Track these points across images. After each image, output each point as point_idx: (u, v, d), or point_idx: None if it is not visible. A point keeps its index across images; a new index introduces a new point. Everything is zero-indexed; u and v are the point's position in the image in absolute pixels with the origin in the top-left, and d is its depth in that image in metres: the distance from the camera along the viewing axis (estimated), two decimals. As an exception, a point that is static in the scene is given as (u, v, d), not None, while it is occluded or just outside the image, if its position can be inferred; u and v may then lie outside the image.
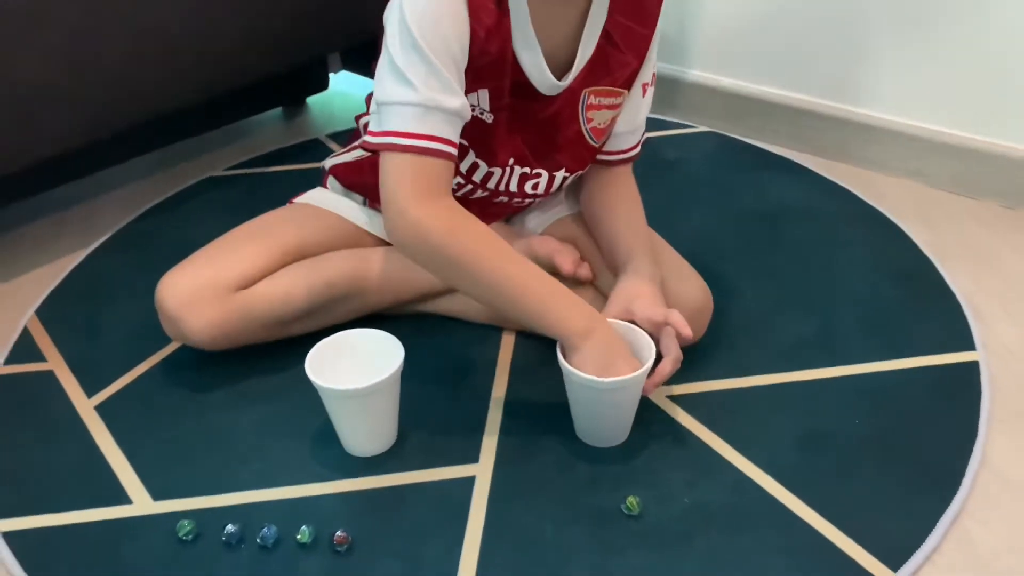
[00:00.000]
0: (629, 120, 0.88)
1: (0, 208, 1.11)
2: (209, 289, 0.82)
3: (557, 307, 0.73)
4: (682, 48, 1.32)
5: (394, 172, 0.72)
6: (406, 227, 0.72)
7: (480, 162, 0.83)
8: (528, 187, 0.86)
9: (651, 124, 1.30)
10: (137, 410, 0.84)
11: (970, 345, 0.88)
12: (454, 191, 0.85)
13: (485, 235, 0.74)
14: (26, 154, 0.97)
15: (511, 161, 0.84)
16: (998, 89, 1.10)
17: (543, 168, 0.85)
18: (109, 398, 0.85)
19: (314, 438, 0.79)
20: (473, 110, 0.77)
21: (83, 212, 1.17)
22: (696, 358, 0.85)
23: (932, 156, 1.17)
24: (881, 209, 1.11)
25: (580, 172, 0.89)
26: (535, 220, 0.95)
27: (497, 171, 0.84)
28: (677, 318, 0.76)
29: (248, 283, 0.84)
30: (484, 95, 0.78)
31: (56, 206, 1.18)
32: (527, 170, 0.85)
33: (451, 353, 0.89)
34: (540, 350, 0.86)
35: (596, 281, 0.89)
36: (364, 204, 0.94)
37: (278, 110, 1.44)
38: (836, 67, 1.21)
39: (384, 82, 0.72)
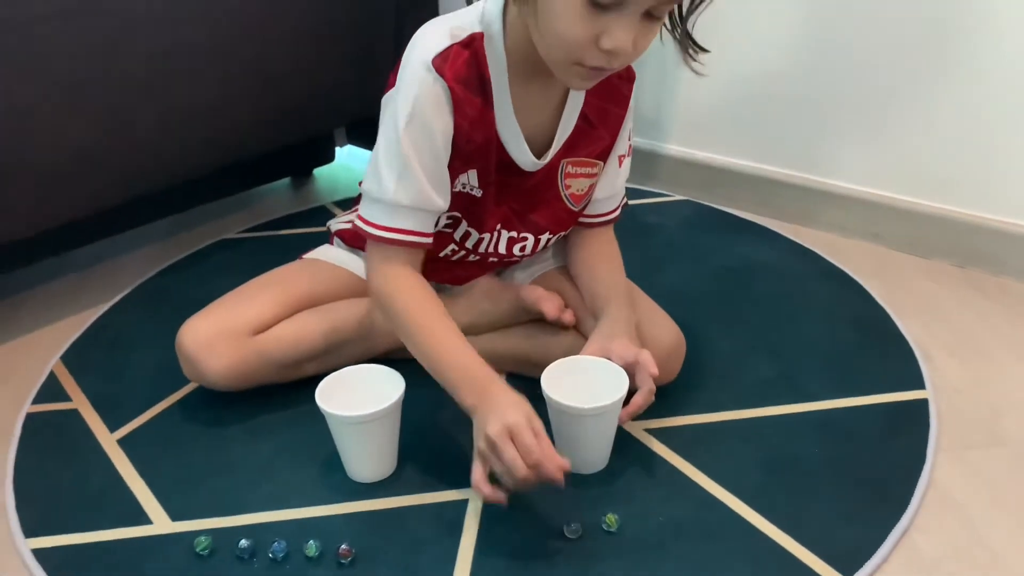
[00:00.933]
0: (607, 187, 0.96)
1: (31, 264, 1.20)
2: (226, 333, 0.90)
3: (458, 379, 0.79)
4: (660, 125, 1.45)
5: (370, 251, 0.85)
6: (372, 288, 0.85)
7: (471, 230, 0.92)
8: (516, 249, 0.95)
9: (633, 193, 1.42)
10: (156, 443, 0.91)
11: (920, 384, 0.97)
12: (450, 256, 0.94)
13: (422, 305, 0.83)
14: (64, 213, 1.06)
15: (498, 226, 0.92)
16: (948, 161, 1.21)
17: (529, 232, 0.94)
18: (130, 432, 0.92)
19: (321, 466, 0.86)
20: (465, 188, 0.87)
21: (106, 269, 1.26)
22: (670, 396, 0.93)
23: (888, 221, 1.27)
24: (842, 267, 1.21)
25: (563, 233, 0.98)
26: (523, 273, 1.04)
27: (487, 236, 0.93)
28: (647, 358, 0.84)
29: (262, 328, 0.92)
30: (473, 174, 0.86)
31: (81, 263, 1.27)
32: (514, 234, 0.93)
33: (446, 393, 0.96)
34: (528, 391, 0.93)
35: (579, 327, 0.97)
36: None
37: (287, 180, 1.55)
38: (800, 141, 1.32)
39: (368, 172, 0.84)
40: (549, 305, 0.94)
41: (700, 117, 1.41)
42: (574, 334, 0.95)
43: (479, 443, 0.76)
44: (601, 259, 0.98)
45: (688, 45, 0.82)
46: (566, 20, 0.72)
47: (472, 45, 0.81)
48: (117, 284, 1.21)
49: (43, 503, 0.83)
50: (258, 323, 0.92)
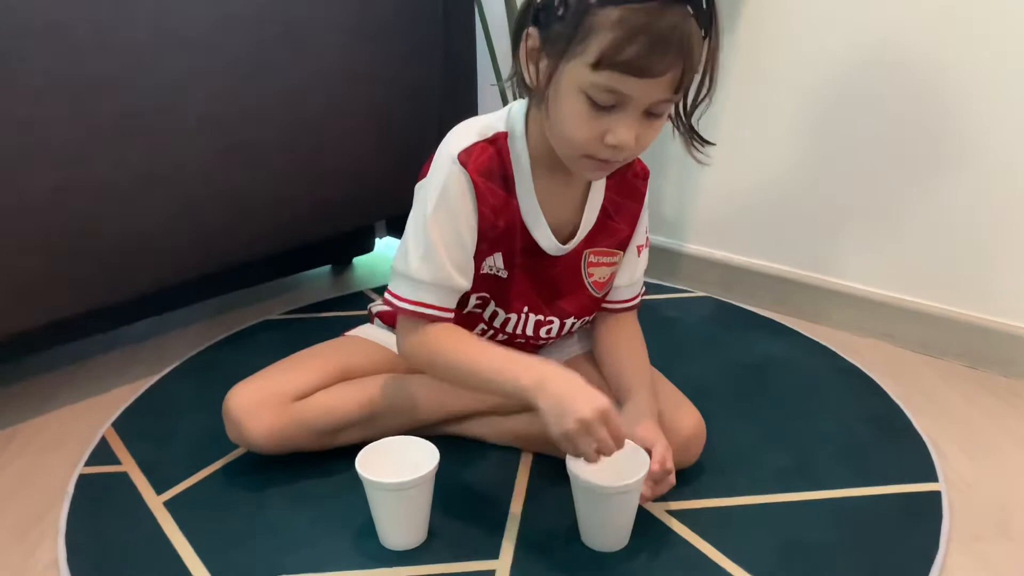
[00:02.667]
0: (628, 276, 1.04)
1: (87, 336, 1.28)
2: (269, 398, 0.97)
3: (508, 370, 0.85)
4: (682, 224, 1.53)
5: (399, 324, 0.93)
6: (406, 354, 0.93)
7: (499, 310, 0.99)
8: (543, 332, 1.01)
9: (655, 288, 1.49)
10: (201, 506, 0.95)
11: (933, 477, 1.00)
12: (480, 336, 1.00)
13: (453, 334, 0.90)
14: (125, 290, 1.15)
15: (525, 309, 0.99)
16: (960, 264, 1.27)
17: (554, 316, 1.00)
18: (176, 495, 0.97)
19: (356, 533, 0.90)
20: (491, 270, 0.94)
21: (156, 344, 1.34)
22: (691, 479, 0.98)
23: (901, 321, 1.32)
24: (856, 364, 1.26)
25: (587, 318, 1.04)
26: (552, 356, 1.09)
27: (513, 317, 0.99)
28: (665, 450, 0.89)
29: (303, 396, 0.98)
30: (499, 257, 0.94)
31: (133, 337, 1.35)
32: (540, 317, 1.00)
33: (476, 468, 1.01)
34: (553, 471, 0.98)
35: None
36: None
37: (327, 267, 1.64)
38: (813, 243, 1.39)
39: (398, 251, 0.92)
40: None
41: (719, 218, 1.49)
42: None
43: (555, 429, 0.80)
44: (626, 347, 1.04)
45: (692, 138, 0.89)
46: (573, 122, 0.81)
47: (497, 143, 0.91)
48: (166, 358, 1.29)
49: (92, 559, 0.88)
50: (299, 391, 0.98)
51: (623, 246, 1.01)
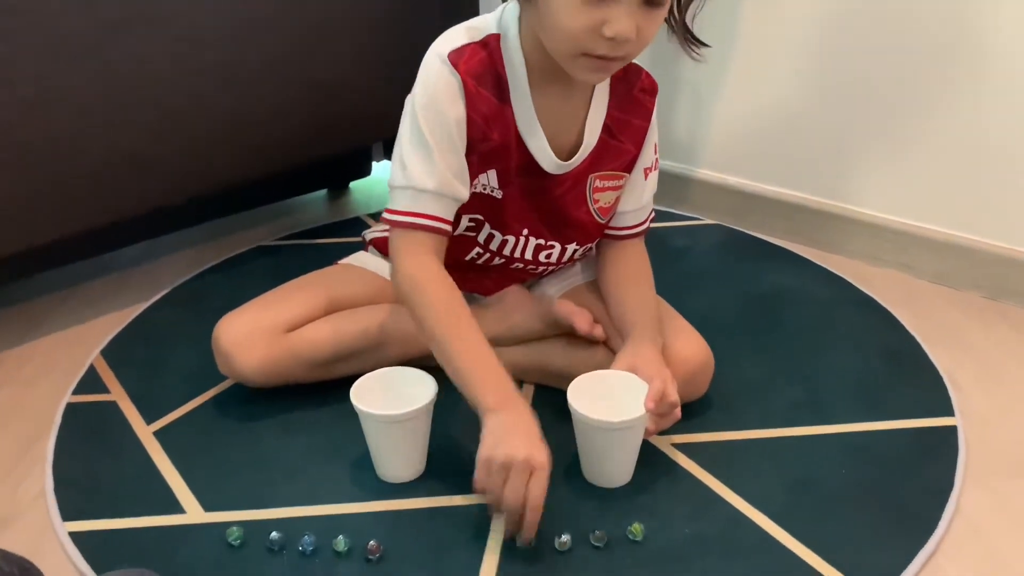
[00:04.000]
0: (634, 200, 0.98)
1: (73, 262, 1.23)
2: (260, 331, 0.93)
3: (479, 377, 0.79)
4: (693, 149, 1.46)
5: (394, 242, 0.86)
6: (397, 280, 0.85)
7: (495, 232, 0.94)
8: (542, 256, 0.97)
9: (663, 216, 1.44)
10: (191, 436, 0.93)
11: (949, 412, 0.97)
12: (475, 260, 0.96)
13: (448, 297, 0.83)
14: (112, 213, 1.10)
15: (525, 231, 0.94)
16: (979, 191, 1.21)
17: (556, 240, 0.96)
18: (166, 425, 0.94)
19: (351, 465, 0.88)
20: (484, 189, 0.89)
21: (145, 270, 1.29)
22: (697, 413, 0.94)
23: (918, 250, 1.28)
24: (871, 295, 1.22)
25: (590, 245, 1.00)
26: (553, 287, 1.05)
27: (511, 239, 0.94)
28: (664, 384, 0.83)
29: (296, 327, 0.94)
30: (492, 175, 0.89)
31: (122, 263, 1.30)
32: (541, 241, 0.95)
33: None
34: (554, 404, 0.95)
35: (608, 342, 0.98)
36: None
37: (324, 192, 1.59)
38: (830, 169, 1.34)
39: (393, 165, 0.86)
40: (580, 320, 0.95)
41: (732, 143, 1.43)
42: (603, 350, 0.96)
43: (484, 451, 0.76)
44: (631, 277, 0.99)
45: (686, 37, 0.84)
46: (566, 13, 0.75)
47: (489, 46, 0.84)
48: (156, 284, 1.24)
49: (81, 489, 0.85)
50: (292, 322, 0.94)
51: (629, 168, 0.95)
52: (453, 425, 0.91)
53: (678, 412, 0.86)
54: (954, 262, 1.25)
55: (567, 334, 0.98)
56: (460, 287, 0.97)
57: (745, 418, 0.95)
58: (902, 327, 1.14)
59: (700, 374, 0.94)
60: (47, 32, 0.95)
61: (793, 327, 1.14)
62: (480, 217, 0.92)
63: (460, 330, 0.82)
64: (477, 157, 0.86)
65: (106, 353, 1.08)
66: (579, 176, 0.92)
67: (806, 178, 1.36)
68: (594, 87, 0.90)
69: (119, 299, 1.21)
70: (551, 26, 0.78)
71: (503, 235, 0.94)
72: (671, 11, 0.82)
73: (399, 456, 0.85)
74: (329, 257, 1.08)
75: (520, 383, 1.01)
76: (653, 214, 1.02)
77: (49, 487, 0.86)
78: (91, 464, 0.89)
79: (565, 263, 1.01)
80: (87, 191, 1.05)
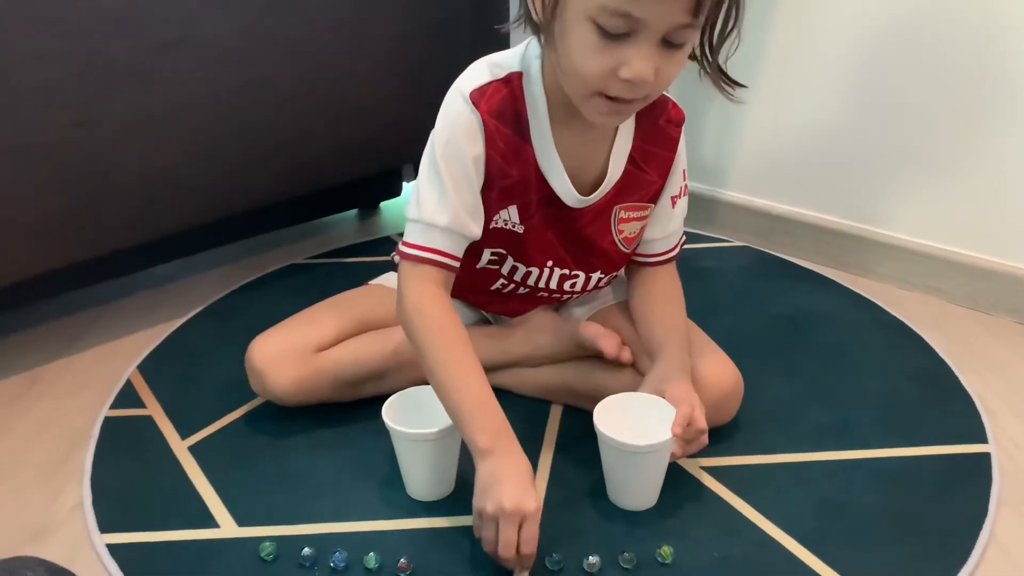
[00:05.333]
0: (661, 228, 0.97)
1: (110, 278, 1.26)
2: (292, 350, 0.94)
3: (475, 419, 0.78)
4: (721, 171, 1.47)
5: (402, 272, 0.85)
6: (401, 308, 0.84)
7: (519, 265, 0.94)
8: (567, 286, 0.97)
9: (691, 237, 1.44)
10: (224, 452, 0.94)
11: (982, 438, 0.96)
12: (500, 289, 0.97)
13: (448, 330, 0.82)
14: (148, 232, 1.12)
15: (550, 263, 0.94)
16: (1011, 215, 1.21)
17: (580, 270, 0.96)
18: (200, 440, 0.96)
19: (381, 482, 0.89)
20: (506, 224, 0.89)
21: (181, 287, 1.32)
22: (726, 436, 0.94)
23: (948, 274, 1.27)
24: (901, 318, 1.21)
25: (615, 274, 1.00)
26: (581, 308, 1.05)
27: (535, 271, 0.94)
28: (692, 409, 0.83)
29: (326, 347, 0.96)
30: (513, 210, 0.89)
31: (157, 281, 1.33)
32: (566, 272, 0.95)
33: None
34: (582, 425, 0.95)
35: (636, 365, 0.98)
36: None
37: (354, 211, 1.61)
38: (860, 191, 1.33)
39: (411, 199, 0.86)
40: (608, 343, 0.95)
41: (760, 165, 1.43)
42: (631, 372, 0.96)
43: (476, 502, 0.76)
44: (661, 300, 0.99)
45: (720, 78, 0.81)
46: (582, 54, 0.74)
47: (511, 83, 0.84)
48: (191, 301, 1.27)
49: (118, 501, 0.87)
50: (322, 342, 0.96)
51: (654, 199, 0.95)
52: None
53: (705, 439, 0.85)
54: (986, 286, 1.24)
55: (595, 356, 0.98)
56: (486, 309, 0.98)
57: (774, 441, 0.95)
58: (933, 351, 1.13)
59: (729, 399, 0.94)
60: (92, 56, 0.98)
61: (822, 350, 1.13)
62: (503, 251, 0.92)
63: (457, 365, 0.81)
64: (497, 193, 0.87)
65: (142, 368, 1.10)
66: (603, 207, 0.92)
67: (835, 200, 1.36)
68: None
69: (154, 315, 1.23)
70: (567, 67, 0.77)
71: (527, 267, 0.94)
72: (704, 54, 0.80)
73: (429, 474, 0.86)
74: (360, 276, 1.09)
75: (548, 403, 1.02)
76: (684, 239, 1.02)
77: (87, 499, 0.87)
78: (128, 477, 0.90)
79: (591, 290, 1.01)
80: (125, 211, 1.08)
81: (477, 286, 0.96)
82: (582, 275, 0.96)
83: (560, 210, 0.90)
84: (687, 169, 0.97)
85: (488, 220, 0.88)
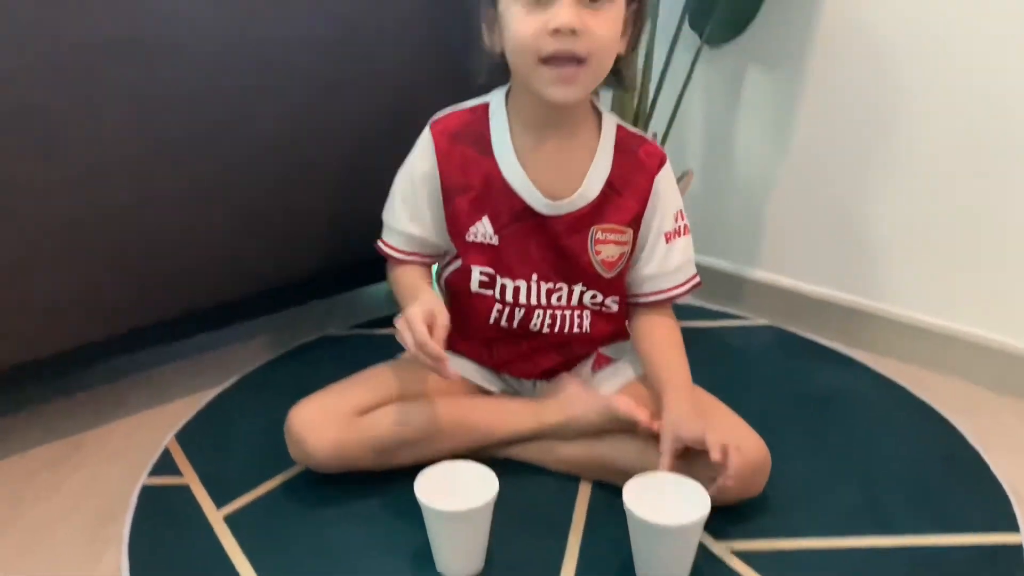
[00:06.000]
0: (654, 265, 1.03)
1: (150, 347, 1.30)
2: (332, 414, 0.97)
3: (407, 298, 1.01)
4: (746, 249, 1.49)
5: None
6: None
7: (507, 281, 1.01)
8: (553, 299, 1.02)
9: (716, 315, 1.46)
10: (259, 522, 0.96)
11: (1013, 527, 0.95)
12: (498, 320, 1.03)
13: (404, 271, 1.07)
14: (192, 302, 1.16)
15: (534, 276, 1.01)
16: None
17: (563, 282, 1.02)
18: (236, 511, 0.98)
19: (413, 557, 0.90)
20: (484, 239, 1.00)
21: (218, 356, 1.35)
22: (754, 515, 0.95)
23: (976, 357, 1.27)
24: (928, 401, 1.21)
25: (600, 295, 1.03)
26: (608, 384, 1.07)
27: (522, 284, 1.01)
28: (715, 438, 0.89)
29: (364, 413, 0.99)
30: (486, 221, 0.99)
31: (194, 350, 1.37)
32: (550, 285, 1.01)
33: (534, 495, 1.00)
34: (612, 501, 0.96)
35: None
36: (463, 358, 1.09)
37: (385, 283, 1.65)
38: (885, 272, 1.35)
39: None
40: (642, 413, 0.97)
41: (786, 243, 1.45)
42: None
43: (400, 318, 0.94)
44: (657, 345, 1.04)
45: (616, 75, 0.97)
46: (517, 26, 0.88)
47: (476, 111, 1.00)
48: (227, 371, 1.30)
49: (155, 572, 0.89)
50: (362, 408, 0.99)
51: (632, 224, 1.01)
52: (513, 522, 0.93)
53: (735, 456, 0.89)
54: (1014, 370, 1.24)
55: (625, 430, 1.00)
56: (500, 368, 1.08)
57: (803, 523, 0.95)
58: (960, 435, 1.13)
59: (758, 473, 0.95)
60: (148, 138, 1.04)
61: (849, 430, 1.14)
62: (490, 270, 1.01)
63: (402, 277, 1.07)
64: (467, 204, 0.99)
65: (180, 436, 1.13)
66: (581, 223, 0.99)
67: (861, 280, 1.38)
68: (596, 142, 0.99)
69: (192, 384, 1.27)
70: (510, 42, 0.91)
71: (513, 281, 1.01)
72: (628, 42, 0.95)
73: (460, 551, 0.87)
74: (391, 347, 1.12)
75: (577, 480, 1.03)
76: (694, 282, 1.06)
77: (125, 568, 0.89)
78: (165, 547, 0.92)
79: (576, 307, 1.04)
80: (172, 282, 1.12)
81: (479, 319, 1.04)
82: (565, 286, 1.02)
83: (535, 220, 0.99)
84: (683, 212, 1.04)
85: (463, 232, 1.00)
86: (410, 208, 1.03)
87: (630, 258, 1.03)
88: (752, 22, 1.33)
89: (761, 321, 1.47)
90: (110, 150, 1.02)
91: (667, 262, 1.03)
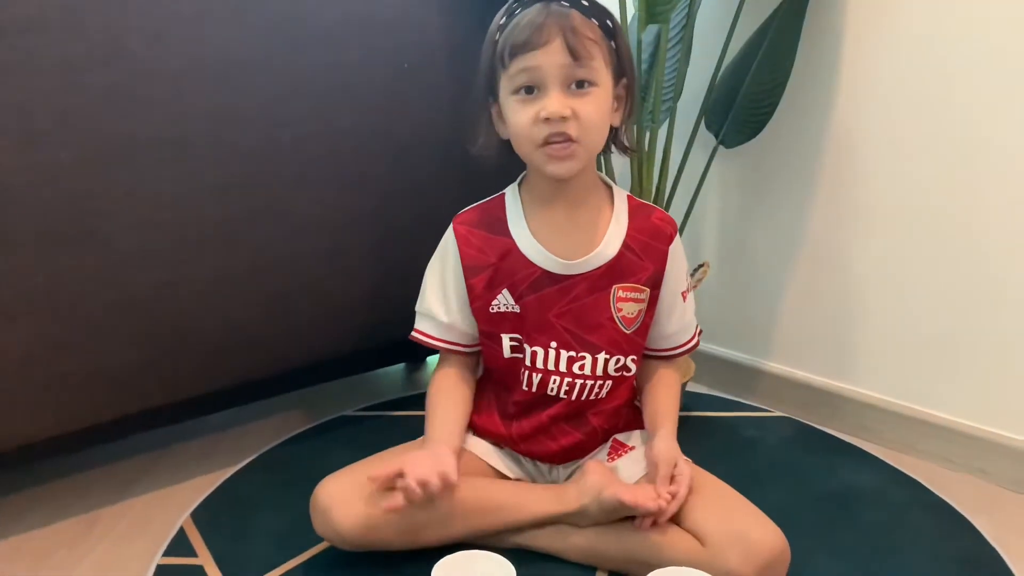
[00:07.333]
0: (677, 320, 1.12)
1: (168, 424, 1.31)
2: (360, 488, 0.97)
3: (431, 434, 1.05)
4: (764, 341, 1.51)
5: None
6: None
7: (535, 349, 1.05)
8: (576, 368, 1.05)
9: (732, 405, 1.46)
10: (274, 607, 0.95)
11: (1038, 633, 0.94)
12: (528, 387, 1.07)
13: (441, 381, 1.11)
14: (214, 383, 1.18)
15: (554, 344, 1.05)
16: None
17: (585, 352, 1.05)
18: (250, 594, 0.97)
19: (427, 648, 0.89)
20: (506, 308, 1.05)
21: (234, 435, 1.36)
22: (774, 615, 0.93)
23: (995, 457, 1.27)
24: (947, 499, 1.20)
25: (622, 357, 1.07)
26: (629, 471, 1.07)
27: (540, 351, 1.05)
28: (673, 473, 0.99)
29: (392, 489, 0.97)
30: (506, 293, 1.05)
31: (210, 428, 1.38)
32: (572, 353, 1.05)
33: None
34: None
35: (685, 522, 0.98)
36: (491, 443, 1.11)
37: (401, 365, 1.67)
38: (902, 369, 1.36)
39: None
40: (641, 498, 0.96)
41: (801, 336, 1.47)
42: (688, 538, 0.96)
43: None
44: (656, 387, 1.13)
45: (613, 143, 1.07)
46: (515, 117, 0.98)
47: (492, 202, 1.09)
48: (243, 450, 1.31)
49: (167, 655, 0.88)
50: (387, 484, 0.98)
51: (650, 284, 1.07)
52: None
53: (678, 491, 0.96)
54: (1031, 470, 1.24)
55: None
56: (519, 446, 1.10)
57: (823, 625, 0.94)
58: (980, 535, 1.12)
59: (776, 564, 0.94)
60: (184, 222, 1.08)
61: (867, 529, 1.13)
62: (519, 337, 1.06)
63: (436, 401, 1.09)
64: (486, 281, 1.05)
65: (195, 515, 1.13)
66: (600, 280, 1.04)
67: (877, 376, 1.39)
68: (609, 209, 1.07)
69: (209, 462, 1.27)
70: (514, 135, 1.00)
71: (532, 347, 1.05)
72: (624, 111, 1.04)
73: (476, 642, 0.86)
74: (408, 427, 1.13)
75: (594, 571, 1.02)
76: (699, 330, 1.16)
77: (137, 651, 0.88)
78: (177, 630, 0.92)
79: (600, 377, 1.07)
80: (200, 362, 1.14)
81: (511, 388, 1.09)
82: (588, 356, 1.05)
83: (554, 287, 1.04)
84: (688, 292, 1.13)
85: (487, 305, 1.06)
86: (439, 296, 1.09)
87: (647, 316, 1.08)
88: (766, 126, 1.38)
89: (777, 413, 1.47)
90: (146, 237, 1.06)
91: (684, 317, 1.13)
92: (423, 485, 0.94)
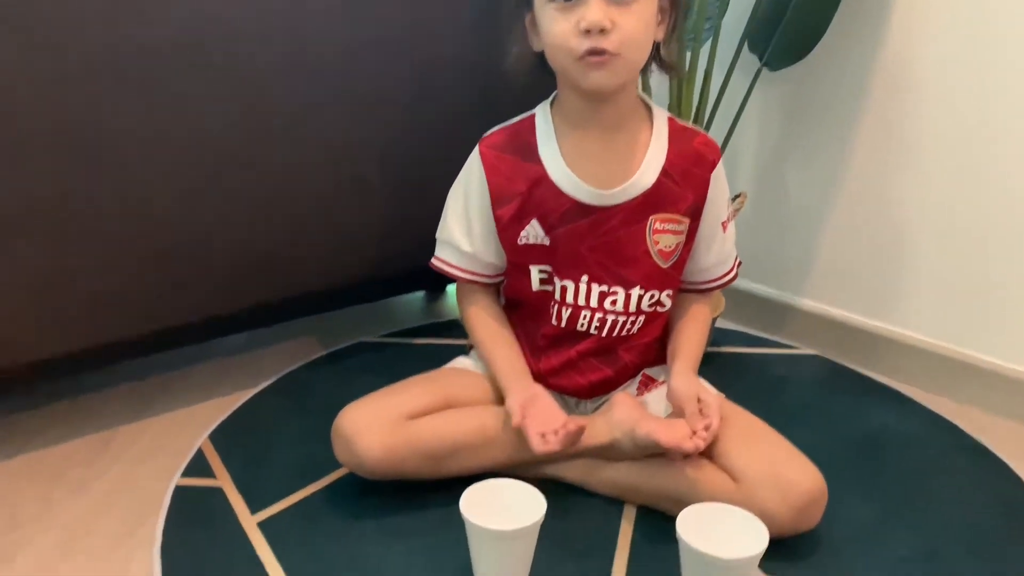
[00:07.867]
0: (717, 252, 1.06)
1: (184, 345, 1.28)
2: (384, 416, 0.95)
3: (509, 384, 0.99)
4: (797, 276, 1.46)
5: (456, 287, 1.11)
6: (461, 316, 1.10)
7: (566, 283, 1.01)
8: (607, 303, 1.01)
9: (761, 342, 1.42)
10: (295, 530, 0.93)
11: (1081, 581, 0.91)
12: (559, 324, 1.03)
13: (482, 315, 1.07)
14: (234, 304, 1.15)
15: (585, 278, 1.00)
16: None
17: (618, 286, 1.01)
18: (270, 517, 0.95)
19: (452, 574, 0.86)
20: (535, 240, 1.00)
21: (251, 358, 1.33)
22: (808, 555, 0.91)
23: (1034, 401, 1.23)
24: (984, 443, 1.17)
25: (657, 292, 1.02)
26: (658, 405, 1.03)
27: (570, 285, 1.01)
28: (707, 403, 0.94)
29: (414, 418, 0.96)
30: (536, 224, 1.00)
31: (227, 350, 1.35)
32: (604, 288, 1.00)
33: (578, 519, 0.96)
34: (658, 528, 0.93)
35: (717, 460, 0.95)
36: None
37: (421, 293, 1.63)
38: (946, 310, 1.30)
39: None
40: (667, 435, 0.92)
41: (838, 272, 1.41)
42: (721, 475, 0.93)
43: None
44: (686, 320, 1.08)
45: (656, 61, 0.99)
46: (551, 27, 0.91)
47: (521, 123, 1.02)
48: (261, 373, 1.28)
49: (187, 574, 0.86)
50: (413, 412, 0.96)
51: (689, 214, 1.02)
52: (556, 545, 0.90)
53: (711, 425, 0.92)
54: (1074, 416, 1.20)
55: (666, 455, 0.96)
56: (548, 380, 1.05)
57: (857, 567, 0.91)
58: (1019, 479, 1.09)
59: (813, 504, 0.91)
60: (198, 147, 1.03)
61: (902, 471, 1.10)
62: (548, 268, 1.01)
63: (489, 342, 1.05)
64: (515, 210, 0.99)
65: (213, 438, 1.11)
66: (635, 211, 0.99)
67: (921, 317, 1.33)
68: (648, 133, 1.00)
69: (226, 384, 1.24)
70: (549, 46, 0.93)
71: (561, 281, 1.01)
72: (669, 32, 0.96)
73: (504, 572, 0.83)
74: (428, 356, 1.11)
75: (622, 504, 0.99)
76: (738, 263, 1.11)
77: (157, 570, 0.87)
78: (197, 551, 0.90)
79: (633, 313, 1.02)
80: (213, 286, 1.11)
81: (539, 322, 1.04)
82: (620, 291, 1.01)
83: (587, 218, 0.98)
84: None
85: (514, 239, 1.01)
86: (462, 224, 1.04)
87: (685, 248, 1.03)
88: (813, 49, 1.30)
89: (809, 351, 1.43)
90: (160, 158, 1.01)
91: (724, 248, 1.07)
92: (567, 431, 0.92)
